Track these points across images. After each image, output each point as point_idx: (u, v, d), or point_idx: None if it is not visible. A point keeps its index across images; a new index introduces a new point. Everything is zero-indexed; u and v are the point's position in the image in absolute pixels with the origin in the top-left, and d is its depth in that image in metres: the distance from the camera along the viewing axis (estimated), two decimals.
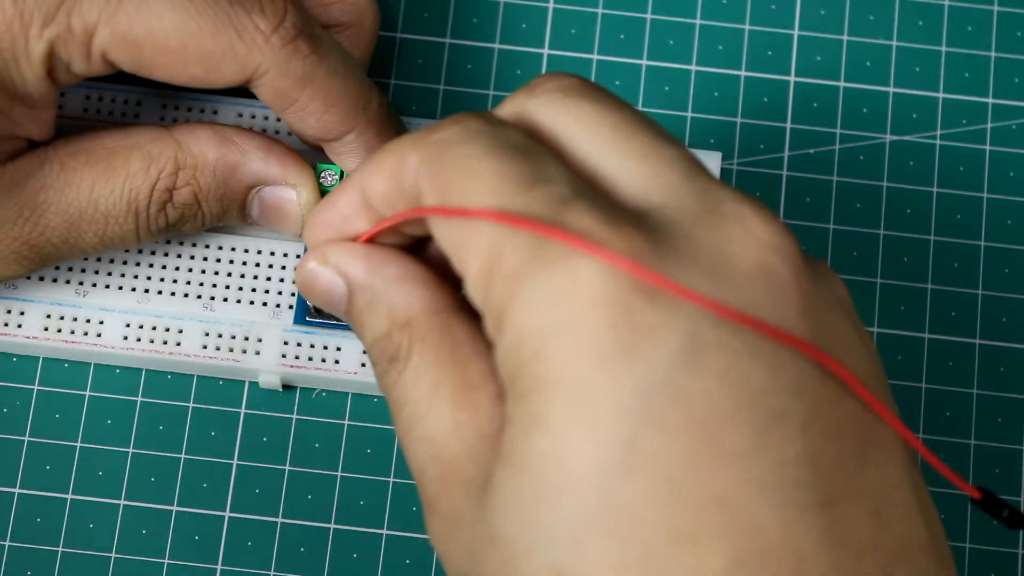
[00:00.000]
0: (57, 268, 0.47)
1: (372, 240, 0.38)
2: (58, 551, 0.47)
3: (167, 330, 0.47)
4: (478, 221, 0.34)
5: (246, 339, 0.47)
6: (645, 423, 0.32)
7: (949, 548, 0.35)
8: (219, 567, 0.47)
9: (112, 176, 0.44)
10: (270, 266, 0.47)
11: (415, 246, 0.39)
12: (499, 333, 0.34)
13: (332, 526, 0.47)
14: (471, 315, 0.37)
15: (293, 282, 0.47)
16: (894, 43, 0.52)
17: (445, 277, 0.38)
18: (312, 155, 0.46)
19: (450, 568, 0.36)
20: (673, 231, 0.34)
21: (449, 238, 0.35)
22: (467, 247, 0.35)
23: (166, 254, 0.47)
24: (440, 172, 0.36)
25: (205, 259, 0.47)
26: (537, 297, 0.33)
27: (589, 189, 0.35)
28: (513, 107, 0.37)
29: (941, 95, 0.51)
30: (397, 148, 0.37)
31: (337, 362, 0.47)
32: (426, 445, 0.36)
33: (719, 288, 0.33)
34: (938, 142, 0.51)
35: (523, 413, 0.34)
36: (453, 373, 0.36)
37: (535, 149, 0.35)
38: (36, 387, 0.48)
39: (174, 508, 0.47)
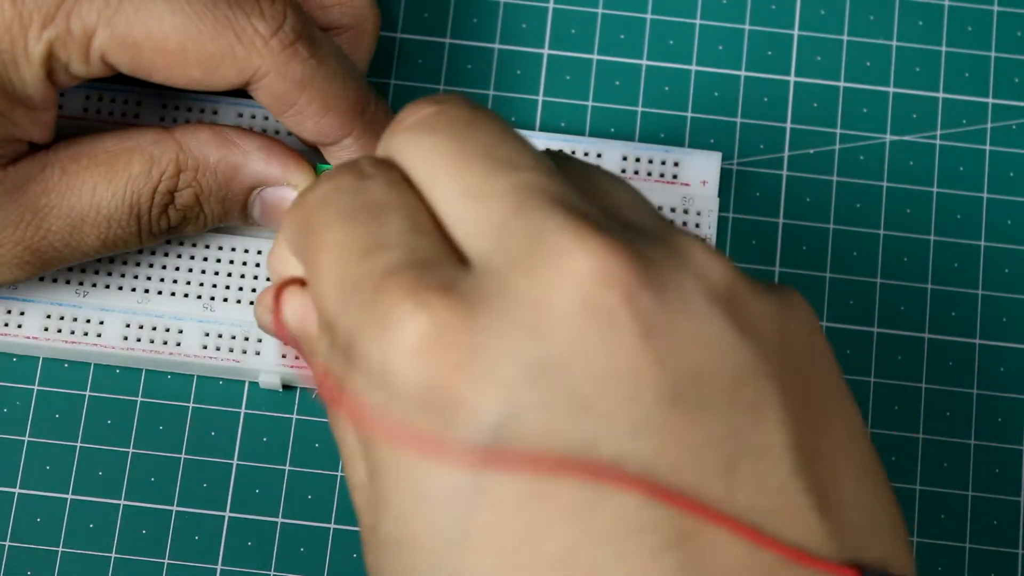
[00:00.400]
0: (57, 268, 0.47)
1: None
2: (58, 551, 0.47)
3: (167, 330, 0.47)
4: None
5: (246, 339, 0.47)
6: (474, 498, 0.31)
7: (892, 528, 0.34)
8: (219, 567, 0.47)
9: (114, 179, 0.44)
10: None
11: None
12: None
13: (332, 526, 0.47)
14: None
15: None
16: (894, 43, 0.52)
17: None
18: (313, 155, 0.46)
19: None
20: (494, 284, 0.32)
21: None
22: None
23: (166, 254, 0.47)
24: (301, 241, 0.36)
25: (205, 259, 0.47)
26: (360, 383, 0.33)
27: (425, 247, 0.34)
28: (385, 147, 0.36)
29: (941, 95, 0.51)
30: (293, 204, 0.37)
31: None
32: (356, 493, 0.35)
33: (541, 345, 0.32)
34: (938, 142, 0.51)
35: (374, 491, 0.34)
36: None
37: (387, 206, 0.34)
38: (36, 387, 0.48)
39: (174, 508, 0.47)
